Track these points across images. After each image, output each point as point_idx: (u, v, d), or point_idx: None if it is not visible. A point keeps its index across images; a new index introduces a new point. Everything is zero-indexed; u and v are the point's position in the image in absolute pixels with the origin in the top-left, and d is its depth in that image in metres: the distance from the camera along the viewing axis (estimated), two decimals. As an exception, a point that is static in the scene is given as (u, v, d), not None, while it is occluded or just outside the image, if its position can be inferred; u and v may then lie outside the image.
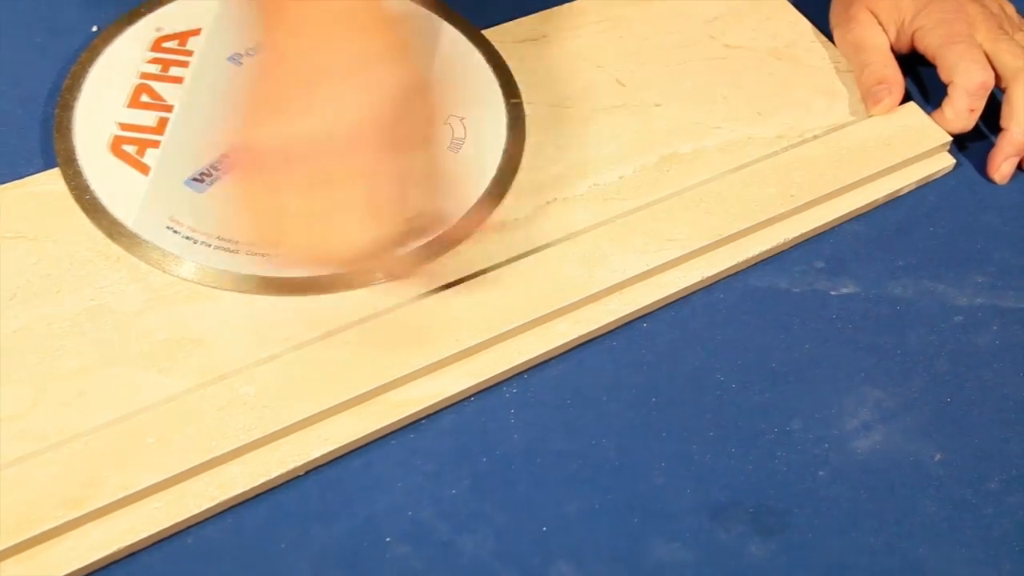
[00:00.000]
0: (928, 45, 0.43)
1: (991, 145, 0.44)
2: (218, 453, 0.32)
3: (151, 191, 0.38)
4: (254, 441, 0.33)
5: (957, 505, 0.35)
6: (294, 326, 0.35)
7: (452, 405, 0.35)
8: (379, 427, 0.34)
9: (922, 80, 0.47)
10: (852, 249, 0.41)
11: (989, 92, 0.42)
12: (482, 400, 0.36)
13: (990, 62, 0.42)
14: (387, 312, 0.36)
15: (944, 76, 0.43)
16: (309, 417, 0.33)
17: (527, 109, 0.42)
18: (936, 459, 0.36)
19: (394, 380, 0.34)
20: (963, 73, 0.42)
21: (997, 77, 0.42)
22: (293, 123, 0.28)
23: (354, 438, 0.34)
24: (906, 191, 0.43)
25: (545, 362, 0.37)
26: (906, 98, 0.44)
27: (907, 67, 0.45)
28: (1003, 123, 0.43)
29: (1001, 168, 0.42)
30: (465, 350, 0.35)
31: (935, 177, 0.44)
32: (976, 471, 0.35)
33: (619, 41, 0.45)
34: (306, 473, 0.33)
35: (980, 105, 0.42)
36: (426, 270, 0.37)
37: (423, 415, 0.35)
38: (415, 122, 0.30)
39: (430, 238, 0.37)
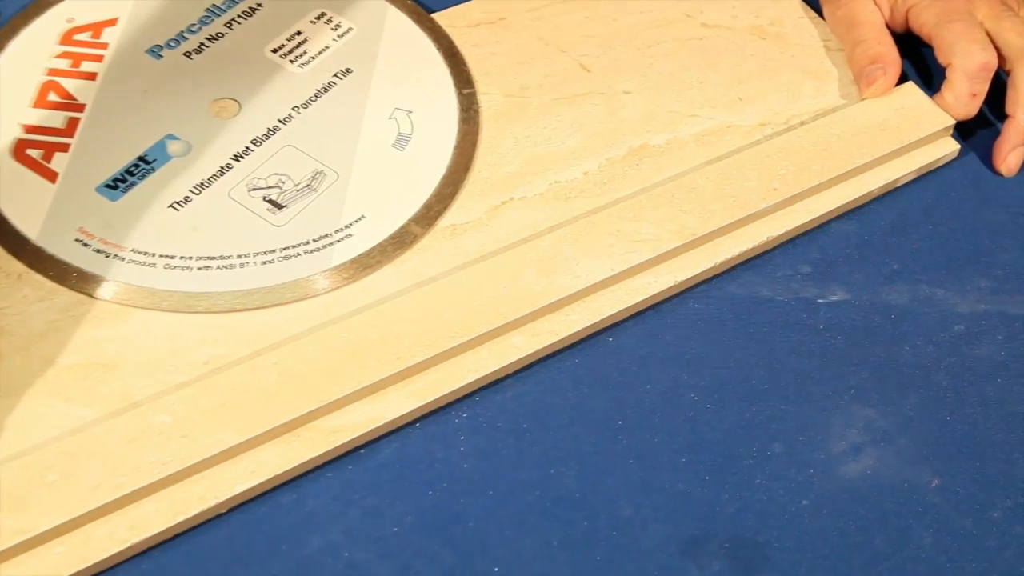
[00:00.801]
0: (924, 24, 0.43)
1: (998, 133, 0.43)
2: (129, 490, 0.32)
3: (58, 200, 0.37)
4: (170, 475, 0.32)
5: (957, 536, 0.34)
6: (217, 346, 0.35)
7: (394, 431, 0.35)
8: (312, 457, 0.34)
9: (923, 61, 0.46)
10: (842, 251, 0.41)
11: (992, 74, 0.42)
12: (428, 425, 0.35)
13: (993, 42, 0.42)
14: (320, 328, 0.35)
15: (942, 58, 0.42)
16: (232, 447, 0.33)
17: (481, 100, 0.42)
18: (933, 485, 0.35)
19: (328, 404, 0.34)
20: (962, 54, 0.41)
21: (1001, 58, 0.42)
22: None
23: (283, 470, 0.33)
24: (904, 182, 0.43)
25: (499, 381, 0.36)
26: (903, 79, 0.44)
27: (905, 47, 0.45)
28: (1009, 109, 0.42)
29: (1008, 159, 0.42)
30: (408, 369, 0.35)
31: (936, 166, 0.43)
32: (978, 498, 0.35)
33: (584, 23, 0.45)
34: (229, 511, 0.33)
35: (983, 89, 0.42)
36: (364, 280, 0.37)
37: (361, 443, 0.35)
38: None
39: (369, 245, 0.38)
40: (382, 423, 0.35)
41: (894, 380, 0.38)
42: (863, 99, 0.43)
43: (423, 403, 0.35)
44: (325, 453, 0.34)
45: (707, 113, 0.43)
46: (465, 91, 0.42)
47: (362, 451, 0.35)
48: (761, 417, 0.36)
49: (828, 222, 0.41)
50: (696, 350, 0.38)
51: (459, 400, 0.36)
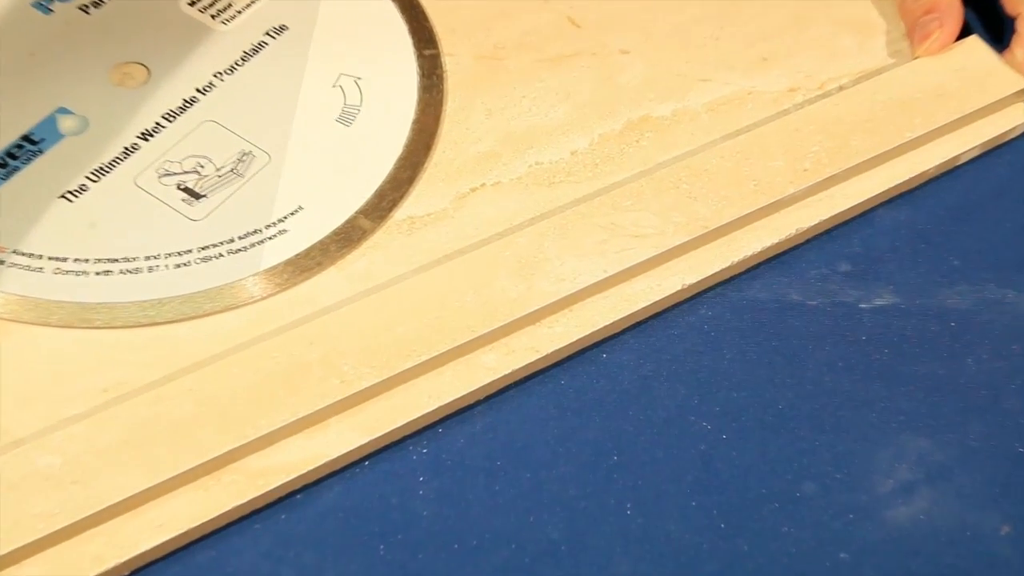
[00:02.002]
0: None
1: (1081, 96, 0.44)
2: (6, 550, 0.31)
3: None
4: (59, 531, 0.32)
5: (1030, 594, 0.34)
6: (118, 370, 0.35)
7: (338, 472, 0.35)
8: (235, 505, 0.33)
9: (989, 10, 0.46)
10: (890, 245, 0.41)
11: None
12: (380, 464, 0.35)
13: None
14: (246, 346, 0.35)
15: (1009, 7, 0.42)
16: (137, 495, 0.33)
17: (447, 63, 0.42)
18: (1003, 532, 0.35)
19: (256, 440, 0.34)
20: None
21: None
22: None
23: (200, 522, 0.33)
24: (966, 160, 0.43)
25: (466, 409, 0.36)
26: (965, 32, 0.44)
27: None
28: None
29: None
30: (354, 395, 0.35)
31: (1006, 140, 0.43)
32: (1057, 547, 0.35)
33: (573, -35, 0.46)
34: (132, 573, 0.33)
35: (1060, 43, 0.42)
36: (301, 286, 0.37)
37: (297, 487, 0.34)
38: None
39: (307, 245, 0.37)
40: (323, 462, 0.34)
41: (954, 403, 0.37)
42: (916, 57, 0.43)
43: (373, 437, 0.35)
44: (252, 500, 0.34)
45: (723, 77, 0.43)
46: (427, 52, 0.42)
47: (298, 497, 0.34)
48: (789, 450, 0.36)
49: (872, 210, 0.41)
50: (709, 368, 0.38)
51: (418, 433, 0.36)
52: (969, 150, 0.42)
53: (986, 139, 0.42)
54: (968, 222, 0.41)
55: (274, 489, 0.34)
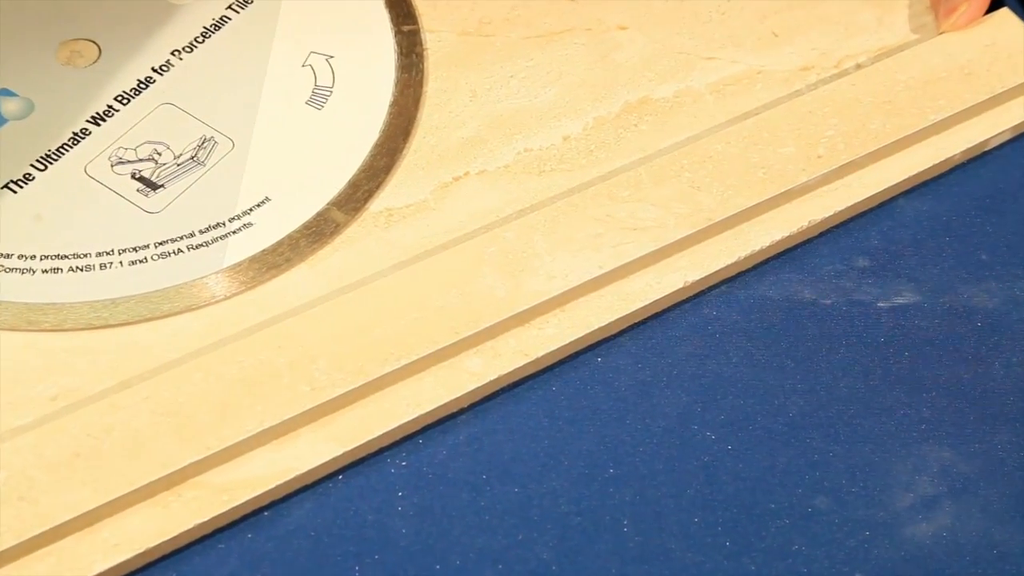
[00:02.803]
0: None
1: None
2: (-51, 572, 0.32)
3: None
4: (4, 552, 0.32)
5: (1062, 618, 0.35)
6: (68, 376, 0.35)
7: (309, 487, 0.35)
8: (197, 523, 0.34)
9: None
10: (912, 238, 0.41)
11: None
12: (355, 478, 0.36)
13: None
14: (209, 350, 0.36)
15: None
16: (89, 513, 0.33)
17: (427, 40, 0.43)
18: (1032, 549, 0.36)
19: (219, 452, 0.34)
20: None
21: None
22: None
23: (159, 541, 0.34)
24: (995, 144, 0.43)
25: (449, 418, 0.37)
26: (996, 4, 0.45)
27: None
28: None
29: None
30: (327, 403, 0.35)
31: (1040, 124, 0.45)
32: (1091, 566, 0.36)
33: (566, -68, 0.46)
34: (86, 597, 0.34)
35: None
36: (268, 284, 0.38)
37: (265, 503, 0.35)
38: None
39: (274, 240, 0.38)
40: (292, 476, 0.35)
41: (980, 410, 0.38)
42: (941, 33, 0.44)
43: (347, 449, 0.35)
44: (215, 518, 0.34)
45: (730, 54, 0.43)
46: (405, 28, 0.43)
47: (266, 514, 0.35)
48: (800, 462, 0.37)
49: (892, 200, 0.42)
50: (713, 373, 0.38)
51: (396, 444, 0.36)
52: (999, 134, 0.43)
53: (1017, 122, 0.43)
54: (997, 213, 0.42)
55: (239, 505, 0.34)
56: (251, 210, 0.38)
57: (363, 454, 0.36)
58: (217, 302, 0.37)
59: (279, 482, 0.35)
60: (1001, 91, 0.43)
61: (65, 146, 0.39)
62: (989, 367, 0.39)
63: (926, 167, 0.42)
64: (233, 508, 0.34)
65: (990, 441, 0.37)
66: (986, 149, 0.43)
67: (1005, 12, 0.44)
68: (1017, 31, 0.44)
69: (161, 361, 0.36)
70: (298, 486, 0.35)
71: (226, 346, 0.36)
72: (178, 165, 0.39)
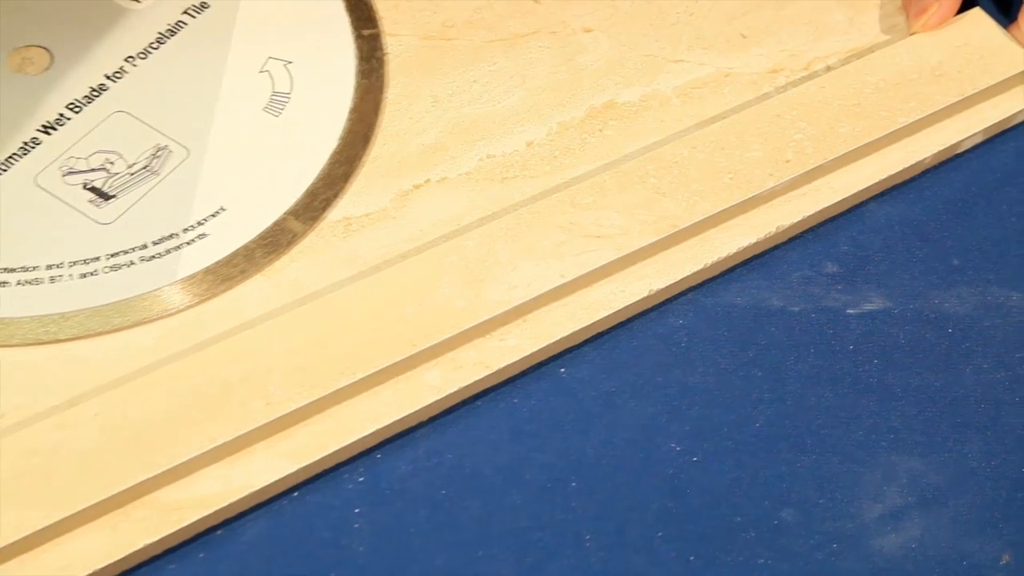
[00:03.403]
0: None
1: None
2: None
3: None
4: (-51, 575, 0.32)
5: (1033, 631, 0.35)
6: (15, 393, 0.35)
7: (264, 504, 0.35)
8: (147, 543, 0.34)
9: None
10: (882, 243, 0.41)
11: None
12: (311, 495, 0.35)
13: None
14: (161, 365, 0.35)
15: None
16: (36, 533, 0.33)
17: (388, 44, 0.43)
18: (1004, 562, 0.36)
19: (171, 470, 0.34)
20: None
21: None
22: None
23: (109, 562, 0.33)
24: (967, 147, 0.43)
25: (408, 432, 0.37)
26: (967, 4, 0.44)
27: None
28: None
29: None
30: (282, 418, 0.35)
31: (1012, 125, 0.44)
32: (1063, 578, 0.36)
33: (529, -67, 0.46)
34: (33, 620, 0.33)
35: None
36: (223, 296, 0.37)
37: (217, 521, 0.35)
38: None
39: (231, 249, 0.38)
40: (246, 493, 0.35)
41: (950, 419, 0.38)
42: (912, 33, 0.44)
43: (303, 465, 0.35)
44: (166, 537, 0.34)
45: (697, 57, 0.43)
46: (366, 32, 0.43)
47: (219, 532, 0.35)
48: (767, 473, 0.37)
49: (862, 204, 0.42)
50: (679, 383, 0.38)
51: (353, 459, 0.36)
52: (970, 136, 0.43)
53: (990, 124, 0.43)
54: (969, 217, 0.42)
55: (191, 524, 0.34)
56: (206, 220, 0.38)
57: (319, 470, 0.36)
58: (170, 315, 0.37)
59: (232, 500, 0.34)
60: (973, 93, 0.42)
61: (15, 156, 0.39)
62: (960, 374, 0.39)
63: (896, 171, 0.42)
64: (184, 527, 0.34)
65: (960, 450, 0.37)
66: (958, 152, 0.43)
67: (977, 12, 0.44)
68: (989, 31, 0.44)
69: (111, 377, 0.35)
70: (252, 504, 0.35)
71: (178, 361, 0.35)
72: (131, 175, 0.39)
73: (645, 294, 0.38)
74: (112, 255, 0.37)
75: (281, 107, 0.41)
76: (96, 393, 0.35)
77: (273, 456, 0.35)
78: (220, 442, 0.34)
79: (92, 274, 0.37)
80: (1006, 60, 0.43)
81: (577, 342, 0.38)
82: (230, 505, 0.34)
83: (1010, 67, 0.43)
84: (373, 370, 0.36)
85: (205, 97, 0.40)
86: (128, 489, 0.33)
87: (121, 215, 0.38)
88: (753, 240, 0.40)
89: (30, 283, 0.36)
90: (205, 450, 0.34)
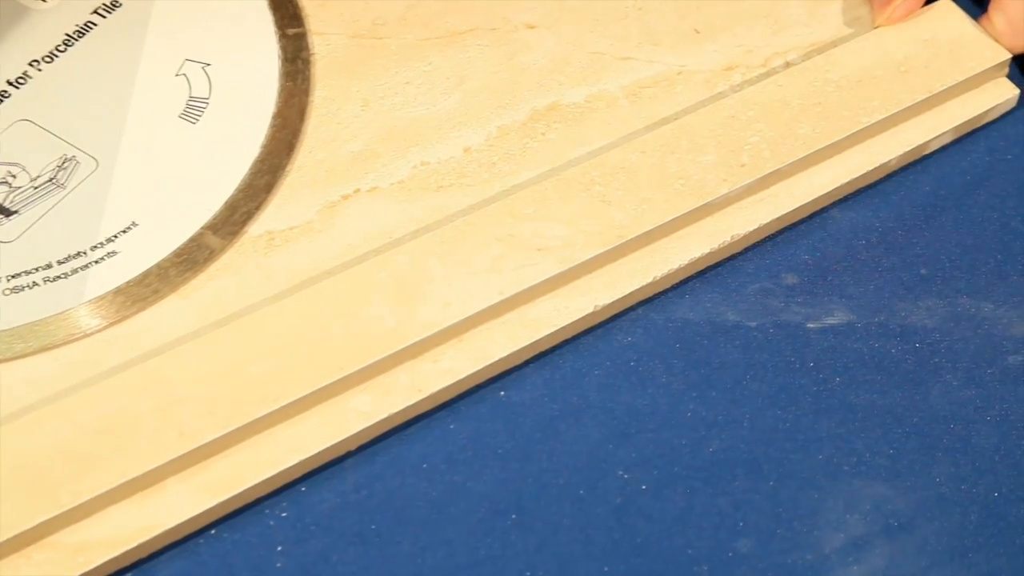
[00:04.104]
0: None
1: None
2: None
3: None
4: None
5: (1006, 668, 0.35)
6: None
7: (178, 544, 0.35)
8: (52, 588, 0.34)
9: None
10: (845, 252, 0.41)
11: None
12: (229, 532, 0.35)
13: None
14: (65, 395, 0.35)
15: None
16: (-71, 579, 0.33)
17: (315, 43, 0.43)
18: (974, 592, 0.36)
19: (75, 508, 0.34)
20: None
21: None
22: None
23: (9, 608, 0.33)
24: (936, 147, 0.43)
25: (335, 463, 0.37)
26: (935, -4, 0.45)
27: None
28: None
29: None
30: (197, 450, 0.35)
31: (984, 123, 0.44)
32: (1037, 609, 0.36)
33: (467, -77, 0.46)
34: (-74, 673, 0.33)
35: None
36: (134, 319, 0.37)
37: (128, 563, 0.34)
38: None
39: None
40: (158, 532, 0.34)
41: (917, 440, 0.38)
42: (876, 26, 0.44)
43: (220, 500, 0.35)
44: (70, 582, 0.34)
45: (647, 54, 0.43)
46: (290, 31, 0.43)
47: (129, 575, 0.34)
48: (722, 502, 0.36)
49: (823, 211, 0.42)
50: (627, 405, 0.38)
51: (276, 493, 0.36)
52: (938, 136, 0.43)
53: (959, 122, 0.43)
54: (937, 223, 0.42)
55: (99, 567, 0.34)
56: (116, 237, 0.38)
57: (238, 505, 0.35)
58: (76, 340, 0.36)
59: (143, 539, 0.34)
60: (941, 90, 0.42)
61: (-91, 169, 0.39)
62: (928, 392, 0.39)
63: (860, 174, 0.42)
64: (90, 571, 0.34)
65: (928, 474, 0.37)
66: (925, 153, 0.43)
67: (946, 3, 0.44)
68: (959, 24, 0.44)
69: (12, 408, 0.35)
70: (165, 543, 0.35)
71: (85, 389, 0.35)
72: (35, 188, 0.38)
73: (590, 310, 0.38)
74: (13, 276, 0.37)
75: (198, 113, 0.40)
76: (-9, 427, 0.35)
77: (188, 491, 0.35)
78: (130, 477, 0.34)
79: (-8, 296, 0.37)
80: (977, 54, 0.43)
81: (517, 363, 0.38)
82: (141, 545, 0.34)
83: (981, 61, 0.43)
84: (297, 396, 0.36)
85: (116, 103, 0.40)
86: (30, 530, 0.33)
87: (24, 232, 0.38)
88: (706, 250, 0.40)
89: (-77, 307, 0.37)
90: (113, 486, 0.34)
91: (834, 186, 0.41)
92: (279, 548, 0.35)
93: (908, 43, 0.43)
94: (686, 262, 0.39)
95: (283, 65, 0.42)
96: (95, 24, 0.42)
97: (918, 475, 0.37)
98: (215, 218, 0.39)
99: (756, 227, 0.40)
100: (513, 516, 0.36)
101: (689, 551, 0.35)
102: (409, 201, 0.40)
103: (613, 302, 0.39)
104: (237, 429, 0.35)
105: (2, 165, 0.39)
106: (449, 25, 0.43)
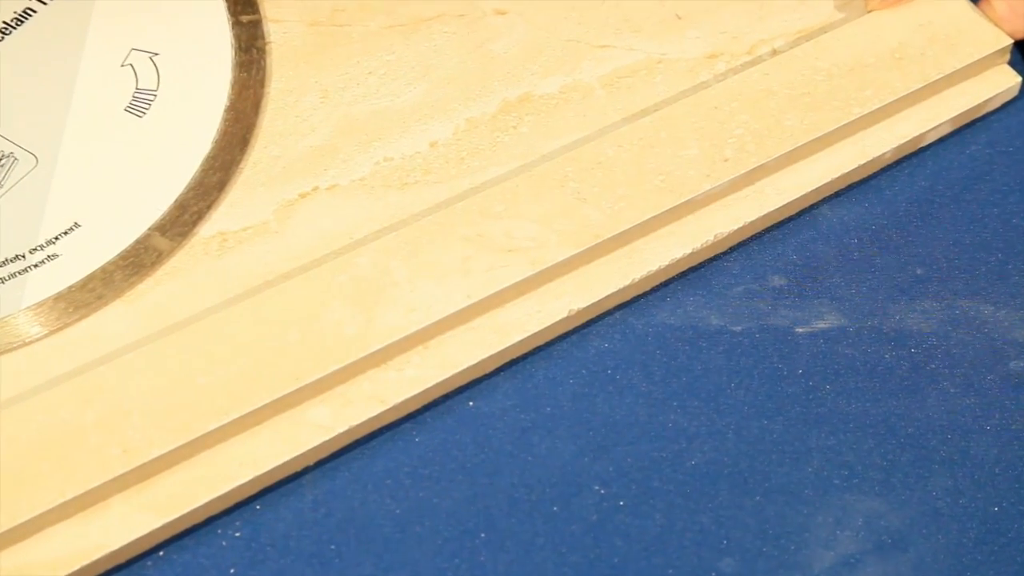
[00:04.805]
0: None
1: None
2: None
3: None
4: None
5: None
6: None
7: (124, 566, 0.35)
8: (-11, 615, 0.34)
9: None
10: (836, 252, 0.41)
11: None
12: (179, 553, 0.35)
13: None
14: (2, 408, 0.35)
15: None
16: None
17: (271, 31, 0.43)
18: (972, 613, 0.36)
19: (13, 529, 0.33)
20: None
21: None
22: None
23: (-58, 638, 0.33)
24: (932, 140, 0.43)
25: (293, 479, 0.37)
26: (934, -21, 0.45)
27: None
28: None
29: None
30: (144, 466, 0.35)
31: (983, 112, 0.44)
32: (1039, 630, 0.36)
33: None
34: None
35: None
36: (77, 326, 0.37)
37: (71, 588, 0.35)
38: None
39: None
40: (102, 555, 0.34)
41: (913, 452, 0.38)
42: (869, 11, 0.44)
43: (169, 519, 0.35)
44: (10, 607, 0.34)
45: (625, 41, 0.43)
46: (245, 18, 0.43)
47: (72, 600, 0.35)
48: (704, 518, 0.37)
49: (813, 208, 0.42)
50: (604, 416, 0.38)
51: (229, 511, 0.36)
52: (935, 127, 0.43)
53: (957, 113, 0.43)
54: (934, 220, 0.42)
55: (40, 592, 0.34)
56: (57, 239, 0.38)
57: (188, 525, 0.35)
58: (14, 349, 0.36)
59: (85, 562, 0.34)
60: (938, 78, 0.43)
61: None
62: (924, 400, 0.39)
63: (851, 168, 0.42)
64: (32, 595, 0.34)
65: (924, 488, 0.37)
66: (921, 146, 0.43)
67: (944, -15, 0.45)
68: (957, 8, 0.44)
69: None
70: (109, 566, 0.35)
71: (23, 402, 0.35)
72: (-30, 187, 0.39)
73: (564, 315, 0.39)
74: (-54, 281, 0.37)
75: (146, 106, 0.40)
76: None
77: (134, 510, 0.35)
78: (71, 495, 0.34)
79: (-77, 304, 0.37)
80: (976, 40, 0.43)
81: (487, 371, 0.38)
82: (83, 568, 0.34)
83: (980, 48, 0.43)
84: (251, 408, 0.36)
85: (57, 96, 0.40)
86: (-36, 553, 0.34)
87: (-42, 235, 0.38)
88: (688, 251, 0.40)
89: None
90: (53, 505, 0.34)
91: (824, 181, 0.41)
92: (232, 571, 0.35)
93: (903, 28, 0.43)
94: (666, 263, 0.39)
95: (237, 55, 0.42)
96: (34, 11, 0.42)
97: (913, 489, 0.37)
98: (163, 218, 0.38)
99: (741, 226, 0.40)
100: (482, 535, 0.36)
101: (670, 571, 0.36)
102: (371, 199, 0.40)
103: (589, 306, 0.39)
104: (187, 443, 0.35)
105: (-65, 162, 0.39)
106: (414, 11, 0.43)
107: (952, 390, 0.39)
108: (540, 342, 0.39)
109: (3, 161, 0.39)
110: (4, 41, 0.41)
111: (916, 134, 0.42)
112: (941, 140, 0.43)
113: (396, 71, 0.42)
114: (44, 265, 0.37)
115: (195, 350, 0.36)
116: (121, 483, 0.35)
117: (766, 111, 0.41)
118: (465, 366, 0.38)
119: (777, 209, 0.41)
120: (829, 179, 0.41)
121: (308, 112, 0.41)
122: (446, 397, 0.38)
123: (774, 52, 0.43)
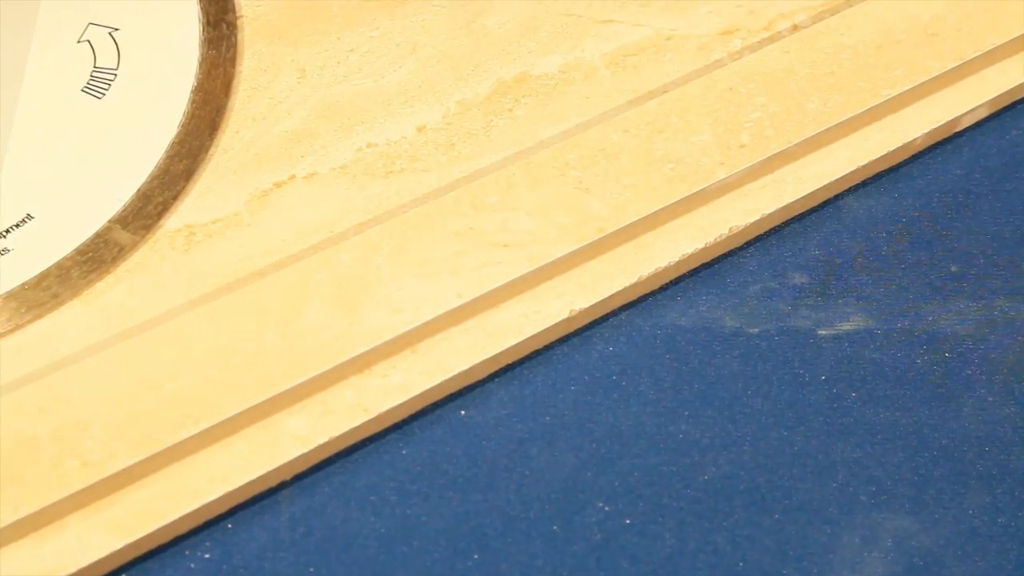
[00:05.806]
0: None
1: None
2: None
3: None
4: None
5: None
6: None
7: None
8: (-66, 644, 0.34)
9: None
10: (862, 247, 0.42)
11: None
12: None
13: None
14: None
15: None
16: None
17: (242, 5, 0.43)
18: (1012, 641, 0.37)
19: (-37, 550, 0.34)
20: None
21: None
22: None
23: None
24: (968, 124, 0.44)
25: (268, 495, 0.37)
26: (968, -51, 0.45)
27: None
28: None
29: None
30: (104, 481, 0.35)
31: (1022, 96, 0.44)
32: (1086, 660, 0.36)
33: None
34: None
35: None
36: (30, 328, 0.37)
37: (26, 614, 0.35)
38: None
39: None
40: (61, 577, 0.35)
41: (947, 466, 0.38)
42: None
43: (132, 540, 0.35)
44: (-42, 635, 0.34)
45: (632, 16, 0.44)
46: None
47: (27, 627, 0.35)
48: (719, 538, 0.37)
49: (837, 198, 0.42)
50: (608, 426, 0.38)
51: (197, 530, 0.36)
52: (971, 111, 0.43)
53: (995, 95, 0.44)
54: (970, 212, 0.42)
55: (-8, 618, 0.35)
56: (8, 232, 0.38)
57: (153, 546, 0.36)
58: (-39, 353, 0.37)
59: (42, 587, 0.35)
60: (974, 56, 0.43)
61: None
62: (959, 410, 0.39)
63: (879, 155, 0.42)
64: (-17, 622, 0.34)
65: (959, 505, 0.38)
66: (956, 131, 0.43)
67: (980, -44, 0.45)
68: (994, -20, 0.45)
69: None
70: (68, 591, 0.36)
71: (-28, 412, 0.36)
72: (-88, 176, 0.39)
73: (565, 316, 0.39)
74: None
75: (105, 86, 0.41)
76: None
77: (91, 530, 0.35)
78: (24, 514, 0.34)
79: None
80: (1017, 14, 0.44)
81: (480, 377, 0.39)
82: (40, 594, 0.35)
83: (1021, 24, 0.43)
84: (222, 418, 0.36)
85: (7, 76, 0.41)
86: (-93, 576, 0.34)
87: (-100, 227, 0.38)
88: (700, 246, 0.40)
89: None
90: (5, 524, 0.34)
91: (849, 170, 0.42)
92: (202, 595, 0.36)
93: (935, 3, 0.44)
94: (676, 259, 0.40)
95: (205, 30, 0.42)
96: (-17, -17, 0.43)
97: (947, 506, 0.37)
98: (125, 210, 0.39)
99: (758, 218, 0.41)
100: (475, 556, 0.36)
101: (681, 595, 0.37)
102: (353, 189, 0.40)
103: (591, 306, 0.39)
104: (152, 456, 0.35)
105: None
106: (400, -17, 0.44)
107: (990, 398, 0.39)
108: (538, 345, 0.39)
109: (-51, 147, 0.40)
110: (-51, 16, 0.42)
111: (950, 118, 0.43)
112: (978, 124, 0.44)
113: (380, 48, 0.42)
114: (-6, 261, 0.38)
115: (160, 354, 0.36)
116: (79, 500, 0.35)
117: (786, 93, 0.41)
118: (456, 372, 0.38)
119: (798, 200, 0.41)
120: (855, 167, 0.42)
121: (284, 93, 0.41)
122: (435, 406, 0.38)
123: (795, 28, 0.43)
